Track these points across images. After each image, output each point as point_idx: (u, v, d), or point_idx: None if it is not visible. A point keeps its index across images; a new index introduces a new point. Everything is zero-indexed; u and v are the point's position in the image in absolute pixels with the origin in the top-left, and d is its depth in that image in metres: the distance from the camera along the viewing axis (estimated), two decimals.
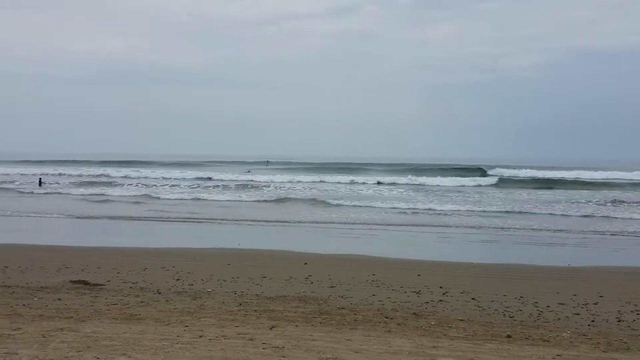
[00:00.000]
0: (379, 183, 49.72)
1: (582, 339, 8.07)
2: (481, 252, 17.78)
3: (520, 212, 29.08)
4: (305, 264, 14.11)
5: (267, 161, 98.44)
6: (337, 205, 32.30)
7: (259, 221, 25.07)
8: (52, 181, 49.92)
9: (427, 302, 10.34)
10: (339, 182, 50.77)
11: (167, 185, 46.88)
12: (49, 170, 63.13)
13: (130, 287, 11.11)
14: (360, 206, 31.72)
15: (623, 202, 33.91)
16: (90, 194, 38.76)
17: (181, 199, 36.29)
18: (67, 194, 39.23)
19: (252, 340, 7.28)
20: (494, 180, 52.84)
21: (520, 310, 9.93)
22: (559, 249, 18.58)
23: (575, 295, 11.13)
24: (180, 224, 24.21)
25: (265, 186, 45.95)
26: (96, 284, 11.36)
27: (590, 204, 33.30)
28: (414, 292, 11.20)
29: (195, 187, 44.89)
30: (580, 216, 27.96)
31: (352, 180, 52.00)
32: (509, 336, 8.09)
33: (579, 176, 55.16)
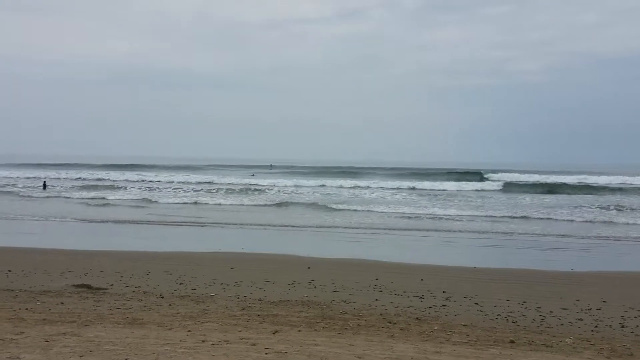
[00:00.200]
0: (382, 188, 49.66)
1: (586, 345, 8.05)
2: (484, 257, 17.73)
3: (523, 217, 29.02)
4: (309, 268, 14.11)
5: (271, 165, 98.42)
6: (341, 209, 32.28)
7: (262, 225, 25.06)
8: (57, 184, 50.00)
9: (430, 307, 10.32)
10: (342, 187, 50.70)
11: (171, 188, 46.86)
12: (54, 173, 63.23)
13: (133, 291, 11.11)
14: (364, 210, 31.69)
15: (625, 207, 33.78)
16: (93, 198, 38.82)
17: (184, 203, 36.33)
18: (71, 197, 39.26)
19: (254, 345, 7.27)
20: (498, 185, 52.72)
21: (524, 315, 9.90)
22: (562, 254, 18.53)
23: (578, 300, 11.10)
24: (183, 227, 24.23)
25: (268, 190, 45.92)
26: (99, 288, 11.37)
27: (594, 208, 33.20)
28: (417, 296, 11.18)
29: (199, 191, 44.85)
30: (583, 221, 27.89)
31: (355, 185, 51.96)
32: (512, 341, 8.07)
33: (584, 181, 55.02)
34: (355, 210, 31.91)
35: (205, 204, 36.18)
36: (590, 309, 10.45)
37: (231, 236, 22.05)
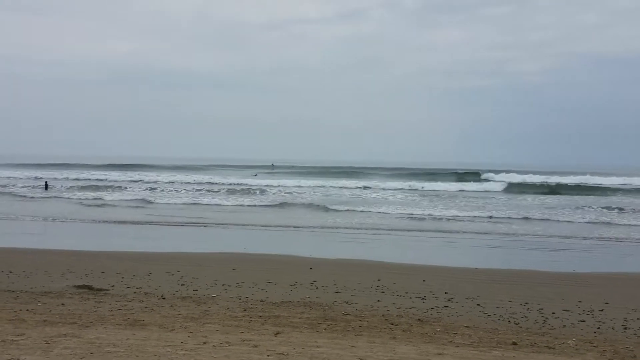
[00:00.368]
0: (383, 188, 49.63)
1: (588, 347, 8.02)
2: (486, 258, 17.70)
3: (525, 218, 28.96)
4: (311, 268, 14.09)
5: (273, 164, 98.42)
6: (342, 209, 32.23)
7: (264, 225, 25.05)
8: (58, 185, 50.01)
9: (432, 308, 10.29)
10: (343, 187, 50.67)
11: (172, 189, 46.83)
12: (55, 174, 63.25)
13: (135, 292, 11.09)
14: (365, 211, 31.65)
15: (628, 208, 33.69)
16: (94, 198, 38.82)
17: (186, 203, 36.31)
18: (72, 198, 39.25)
19: (256, 346, 7.25)
20: (499, 185, 52.66)
21: (526, 316, 9.87)
22: (564, 255, 18.49)
23: (580, 301, 11.07)
24: (185, 228, 24.22)
25: (270, 190, 45.88)
26: (100, 289, 11.36)
27: (596, 209, 33.13)
28: (419, 297, 11.16)
29: (201, 191, 44.84)
30: (585, 222, 27.84)
31: (356, 185, 51.94)
32: (514, 343, 8.04)
33: (586, 181, 54.94)
34: (356, 210, 31.87)
35: (207, 204, 36.14)
36: (593, 310, 10.42)
37: (233, 237, 22.03)
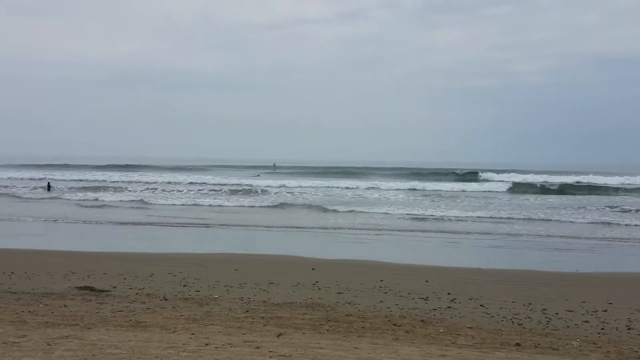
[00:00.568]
0: (385, 189, 49.57)
1: (592, 348, 7.98)
2: (489, 258, 17.66)
3: (527, 218, 28.88)
4: (313, 269, 14.06)
5: (275, 164, 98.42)
6: (344, 210, 32.16)
7: (266, 226, 25.02)
8: (60, 186, 50.01)
9: (435, 309, 10.25)
10: (345, 187, 50.61)
11: (174, 190, 46.81)
12: (57, 175, 63.29)
13: (137, 294, 11.07)
14: (367, 211, 31.59)
15: (630, 208, 33.60)
16: (96, 199, 38.80)
17: (188, 204, 36.28)
18: (74, 199, 39.24)
19: (258, 348, 7.22)
20: (502, 185, 52.54)
21: (529, 317, 9.83)
22: (567, 255, 18.44)
23: (584, 302, 11.03)
24: (187, 229, 24.20)
25: (273, 190, 45.82)
26: (102, 290, 11.33)
27: (598, 209, 33.04)
28: (422, 298, 11.12)
29: (203, 192, 44.82)
30: (588, 222, 27.75)
31: (358, 185, 51.85)
32: (518, 344, 8.00)
33: (589, 181, 54.82)
34: (358, 211, 31.81)
35: (209, 205, 36.10)
36: (597, 310, 10.37)
37: (235, 237, 22.01)
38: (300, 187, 49.36)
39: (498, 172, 67.58)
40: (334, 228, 24.63)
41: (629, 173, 63.49)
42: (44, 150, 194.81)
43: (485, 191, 48.43)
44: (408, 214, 30.42)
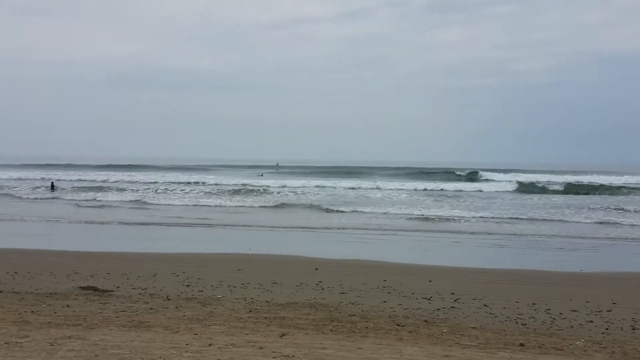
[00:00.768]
0: (388, 189, 49.51)
1: (597, 348, 7.94)
2: (492, 258, 17.61)
3: (531, 218, 28.80)
4: (316, 269, 14.04)
5: (278, 164, 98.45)
6: (348, 210, 32.11)
7: (269, 226, 25.01)
8: (63, 186, 50.06)
9: (439, 309, 10.22)
10: (348, 187, 50.54)
11: (177, 189, 46.80)
12: (60, 174, 63.38)
13: (140, 294, 11.06)
14: (370, 211, 31.54)
15: (633, 207, 33.49)
16: (99, 199, 38.82)
17: (192, 205, 36.28)
18: (77, 199, 39.26)
19: (261, 348, 7.20)
20: (505, 185, 52.45)
21: (533, 317, 9.80)
22: (571, 255, 18.38)
23: (588, 302, 10.98)
24: (190, 228, 24.19)
25: (276, 190, 45.79)
26: (105, 290, 11.33)
27: (603, 209, 32.95)
28: (425, 298, 11.09)
29: (207, 192, 44.81)
30: (592, 222, 27.66)
31: (361, 185, 51.78)
32: (521, 345, 7.97)
33: (594, 181, 54.67)
34: (361, 211, 31.77)
35: (213, 205, 36.08)
36: (601, 310, 10.33)
37: (238, 237, 21.99)
38: (303, 186, 49.33)
39: (500, 171, 67.58)
40: (337, 228, 24.60)
41: (631, 172, 63.41)
42: (45, 150, 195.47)
43: (487, 191, 48.34)
44: (411, 213, 30.37)
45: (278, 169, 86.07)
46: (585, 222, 27.24)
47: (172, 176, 62.39)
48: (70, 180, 56.64)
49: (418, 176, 65.49)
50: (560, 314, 10.03)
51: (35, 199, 39.34)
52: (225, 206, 35.13)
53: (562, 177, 57.50)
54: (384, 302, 10.73)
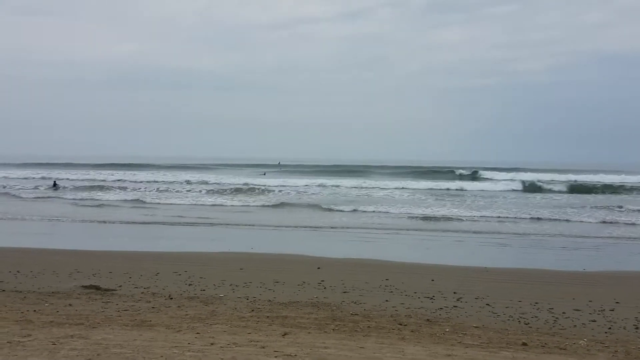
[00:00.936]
0: (389, 187, 49.47)
1: (600, 347, 7.93)
2: (495, 257, 17.58)
3: (534, 217, 28.75)
4: (319, 268, 14.03)
5: (280, 163, 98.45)
6: (349, 209, 32.07)
7: (271, 225, 25.00)
8: (65, 185, 50.08)
9: (441, 308, 10.21)
10: (352, 186, 50.51)
11: (181, 189, 46.80)
12: (62, 173, 63.40)
13: (142, 293, 11.06)
14: (372, 210, 31.51)
15: (635, 207, 33.41)
16: (101, 197, 38.85)
17: (194, 203, 36.28)
18: (79, 198, 39.28)
19: (263, 347, 7.19)
20: (506, 184, 52.39)
21: (536, 316, 9.78)
22: (574, 254, 18.35)
23: (591, 301, 10.96)
24: (193, 227, 24.19)
25: (279, 189, 45.78)
26: (107, 289, 11.33)
27: (606, 208, 32.89)
28: (428, 297, 11.08)
29: (209, 191, 44.78)
30: (595, 220, 27.60)
31: (364, 184, 51.73)
32: (524, 344, 7.95)
33: (595, 180, 54.60)
34: (363, 210, 31.74)
35: (214, 204, 36.08)
36: (604, 310, 10.31)
37: (240, 236, 21.99)
38: (305, 185, 49.33)
39: (502, 170, 67.47)
40: (340, 227, 24.58)
41: (633, 172, 63.29)
42: (46, 149, 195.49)
43: (489, 190, 48.32)
44: (413, 213, 30.33)
45: (280, 168, 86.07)
46: (588, 221, 27.19)
47: (173, 175, 62.43)
48: (71, 179, 56.65)
49: (419, 175, 65.40)
50: (563, 313, 10.01)
51: (37, 197, 39.35)
52: (227, 205, 35.12)
53: (563, 176, 57.42)
54: (386, 301, 10.71)
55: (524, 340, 8.12)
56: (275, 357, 6.82)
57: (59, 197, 39.41)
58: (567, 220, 27.55)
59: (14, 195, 40.93)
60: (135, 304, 10.00)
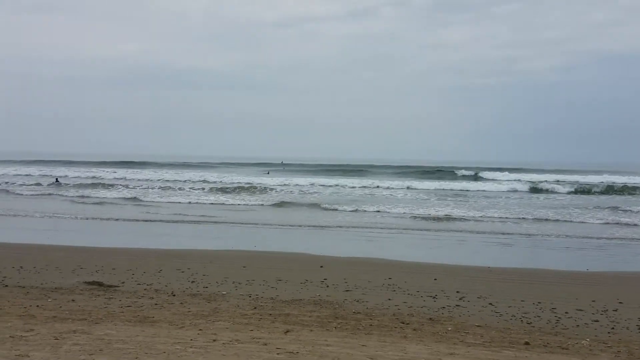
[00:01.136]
0: (393, 187, 49.46)
1: (602, 347, 7.91)
2: (498, 257, 17.56)
3: (537, 217, 28.69)
4: (321, 266, 14.03)
5: (282, 162, 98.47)
6: (353, 208, 32.04)
7: (274, 224, 25.01)
8: (69, 182, 50.18)
9: (444, 307, 10.20)
10: (355, 186, 50.49)
11: (183, 187, 46.85)
12: (66, 170, 63.53)
13: (145, 289, 11.08)
14: (376, 209, 31.49)
15: (637, 209, 33.32)
16: (104, 195, 38.92)
17: (197, 202, 36.32)
18: (82, 195, 39.35)
19: (266, 345, 7.20)
20: (510, 184, 52.29)
21: (538, 316, 9.76)
22: (577, 254, 18.32)
23: (594, 301, 10.94)
24: (196, 225, 24.22)
25: (282, 188, 45.81)
26: (110, 286, 11.35)
27: (609, 208, 32.80)
28: (430, 296, 11.07)
29: (214, 189, 44.82)
30: (599, 220, 27.52)
31: (366, 184, 51.70)
32: (527, 343, 7.94)
33: (601, 180, 54.46)
34: (366, 209, 31.72)
35: (218, 202, 36.11)
36: (607, 310, 10.29)
37: (243, 234, 22.01)
38: (308, 184, 49.34)
39: (505, 170, 67.37)
40: (342, 226, 24.58)
41: (638, 172, 63.12)
42: (52, 147, 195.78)
43: (492, 190, 48.23)
44: (416, 212, 30.31)
45: (283, 167, 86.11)
46: (592, 222, 27.12)
47: (175, 173, 62.52)
48: (73, 177, 56.74)
49: (422, 175, 65.40)
50: (566, 313, 10.00)
51: (39, 194, 39.46)
52: (230, 204, 35.14)
53: (567, 177, 57.34)
54: (389, 299, 10.71)
55: (526, 340, 8.10)
56: (278, 354, 6.82)
57: (61, 194, 39.47)
58: (571, 221, 27.49)
59: (14, 192, 41.03)
60: (138, 300, 10.02)
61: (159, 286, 11.41)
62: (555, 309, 10.27)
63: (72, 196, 38.25)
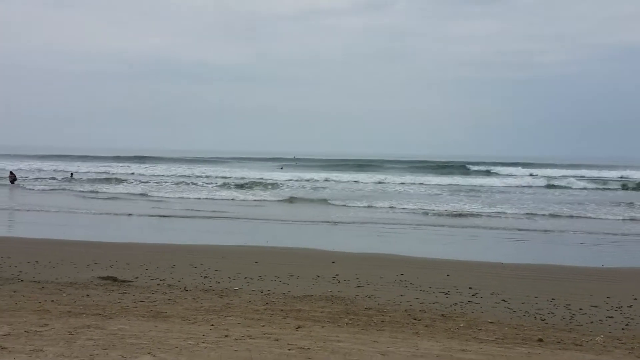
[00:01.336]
0: (405, 183, 49.33)
1: (616, 344, 7.85)
2: (511, 253, 17.49)
3: (552, 213, 28.49)
4: (333, 262, 14.02)
5: (295, 157, 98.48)
6: (365, 203, 31.98)
7: (286, 219, 25.04)
8: (83, 177, 50.55)
9: (456, 304, 10.16)
10: (367, 181, 50.44)
11: (196, 183, 46.97)
12: (80, 165, 63.97)
13: (158, 284, 11.14)
14: (388, 205, 31.42)
15: None
16: (117, 190, 39.14)
17: (210, 197, 36.41)
18: (95, 190, 39.57)
19: (277, 340, 7.21)
20: (526, 179, 52.02)
21: (552, 312, 9.70)
22: (592, 250, 18.19)
23: (609, 297, 10.85)
24: (208, 220, 24.31)
25: (294, 183, 45.84)
26: (124, 281, 11.42)
27: (625, 204, 32.50)
28: (443, 292, 11.03)
29: (227, 185, 44.92)
30: (614, 216, 27.29)
31: (379, 179, 51.64)
32: (540, 340, 7.90)
33: (616, 176, 54.00)
34: (379, 204, 31.65)
35: (230, 198, 36.17)
36: (621, 306, 10.21)
37: (256, 230, 22.06)
38: (320, 180, 49.36)
39: (518, 165, 67.00)
40: (354, 222, 24.55)
41: None
42: (66, 142, 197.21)
43: (505, 185, 47.94)
44: (428, 208, 30.20)
45: (296, 162, 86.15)
46: (607, 218, 26.89)
47: (189, 168, 62.73)
48: (87, 172, 57.12)
49: (436, 170, 65.27)
50: (580, 309, 9.93)
51: (54, 189, 39.75)
52: (243, 199, 35.19)
53: (582, 172, 56.89)
54: (401, 295, 10.69)
55: (539, 336, 8.06)
56: (289, 349, 6.83)
57: (75, 189, 39.72)
58: (586, 217, 27.26)
59: (29, 187, 41.33)
60: (151, 295, 10.07)
61: (172, 281, 11.46)
62: (569, 305, 10.21)
63: (86, 191, 38.49)
